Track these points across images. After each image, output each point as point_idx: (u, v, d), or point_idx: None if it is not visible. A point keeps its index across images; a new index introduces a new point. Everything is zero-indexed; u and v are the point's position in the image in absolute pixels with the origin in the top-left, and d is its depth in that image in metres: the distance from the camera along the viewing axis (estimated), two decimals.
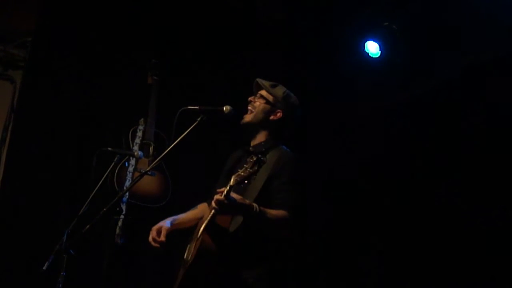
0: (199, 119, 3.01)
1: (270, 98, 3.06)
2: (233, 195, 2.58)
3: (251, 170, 2.57)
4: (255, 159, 2.57)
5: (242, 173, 2.58)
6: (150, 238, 2.92)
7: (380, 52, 4.76)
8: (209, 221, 2.68)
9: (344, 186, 5.04)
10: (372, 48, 4.78)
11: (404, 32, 4.59)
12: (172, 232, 2.98)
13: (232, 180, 2.58)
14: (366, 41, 4.79)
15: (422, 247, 4.47)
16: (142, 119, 4.29)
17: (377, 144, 5.04)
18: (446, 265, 4.33)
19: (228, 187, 2.57)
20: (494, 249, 4.03)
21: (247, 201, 2.64)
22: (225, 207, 2.57)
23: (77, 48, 4.49)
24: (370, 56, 4.81)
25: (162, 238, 2.91)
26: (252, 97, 3.11)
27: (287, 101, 3.05)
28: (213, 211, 2.62)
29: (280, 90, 3.07)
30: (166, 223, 2.98)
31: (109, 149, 3.43)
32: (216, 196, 2.58)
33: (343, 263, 4.87)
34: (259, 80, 3.12)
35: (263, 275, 2.72)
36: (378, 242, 4.83)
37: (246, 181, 2.58)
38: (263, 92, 3.09)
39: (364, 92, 5.17)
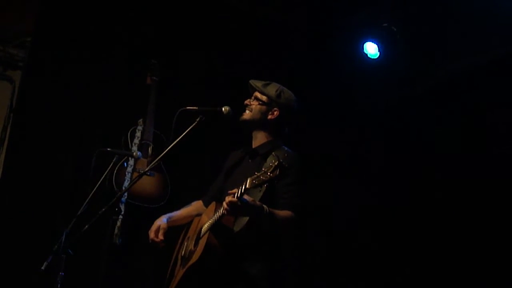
0: (198, 119, 3.01)
1: (264, 98, 3.02)
2: (245, 197, 2.54)
3: (271, 175, 2.44)
4: (276, 163, 2.45)
5: (262, 177, 2.45)
6: (150, 239, 2.94)
7: (379, 53, 4.77)
8: (215, 221, 2.68)
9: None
10: (371, 49, 4.79)
11: (402, 33, 4.60)
12: (168, 229, 2.99)
13: (248, 182, 2.48)
14: (365, 42, 4.80)
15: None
16: (141, 120, 4.30)
17: (376, 143, 5.05)
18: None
19: (242, 189, 2.49)
20: None
21: (258, 203, 2.61)
22: (237, 208, 2.54)
23: (76, 48, 4.49)
24: (369, 57, 4.82)
25: (161, 237, 2.94)
26: (248, 100, 3.07)
27: (282, 98, 3.00)
28: (222, 211, 2.59)
29: (273, 89, 3.03)
30: (162, 221, 3.00)
31: (108, 149, 3.45)
32: (229, 198, 2.53)
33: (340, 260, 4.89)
34: (252, 82, 3.09)
35: (264, 270, 2.71)
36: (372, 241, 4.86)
37: (265, 185, 2.48)
38: (257, 94, 3.05)
39: (363, 92, 5.18)
